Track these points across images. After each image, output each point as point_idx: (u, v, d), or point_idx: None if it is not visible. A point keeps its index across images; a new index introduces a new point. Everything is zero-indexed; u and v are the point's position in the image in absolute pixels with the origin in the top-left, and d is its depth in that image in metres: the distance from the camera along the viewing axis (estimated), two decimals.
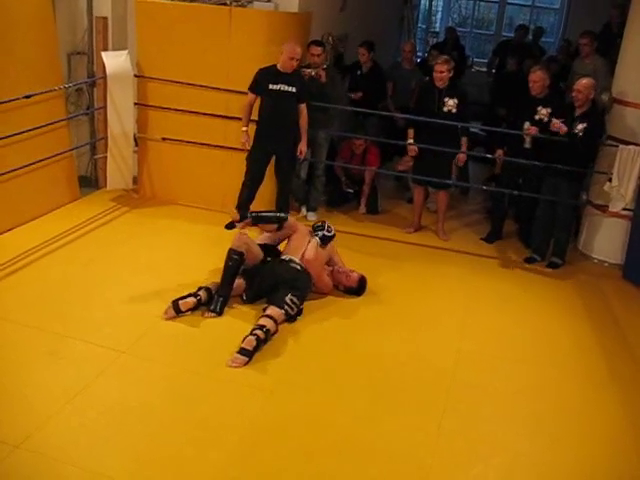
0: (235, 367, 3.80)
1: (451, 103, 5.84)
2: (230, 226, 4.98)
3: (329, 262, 4.94)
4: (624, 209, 5.67)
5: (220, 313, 4.35)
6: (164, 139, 6.32)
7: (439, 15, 15.33)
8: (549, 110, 5.63)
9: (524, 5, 14.72)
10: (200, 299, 4.36)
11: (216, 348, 3.97)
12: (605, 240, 5.98)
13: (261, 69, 5.53)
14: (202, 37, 5.96)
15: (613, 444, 3.57)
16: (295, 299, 4.35)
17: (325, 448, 3.26)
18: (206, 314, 4.34)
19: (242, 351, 3.86)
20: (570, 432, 3.62)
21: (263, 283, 4.53)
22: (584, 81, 5.45)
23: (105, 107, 6.11)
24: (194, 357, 3.92)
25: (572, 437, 3.57)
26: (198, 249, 5.42)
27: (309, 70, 5.88)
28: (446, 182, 6.10)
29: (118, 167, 6.24)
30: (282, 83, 5.50)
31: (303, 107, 5.62)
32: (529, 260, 5.87)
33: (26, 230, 5.42)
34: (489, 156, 6.38)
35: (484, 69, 11.34)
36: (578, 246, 6.24)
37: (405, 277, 5.36)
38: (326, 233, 4.80)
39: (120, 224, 5.82)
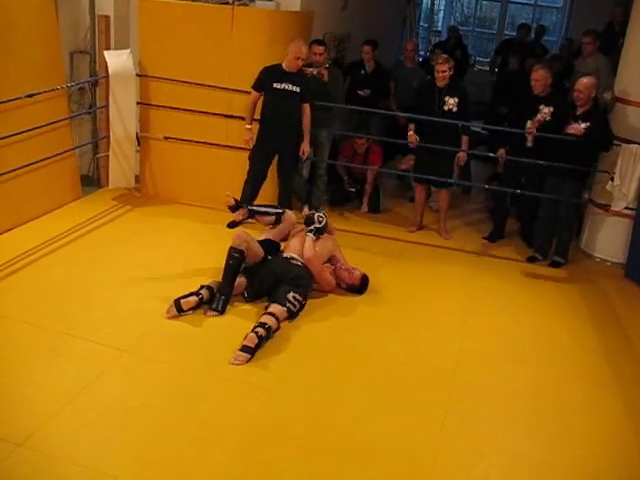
0: (237, 364, 3.81)
1: (452, 102, 5.84)
2: (232, 225, 4.99)
3: (331, 260, 4.93)
4: (626, 208, 5.67)
5: (222, 312, 4.36)
6: (166, 138, 6.32)
7: (441, 14, 15.34)
8: (551, 109, 5.62)
9: (526, 4, 14.71)
10: (202, 298, 4.36)
11: (218, 346, 3.98)
12: (607, 239, 5.98)
13: (266, 67, 5.53)
14: (204, 36, 5.96)
15: (614, 444, 3.56)
16: (298, 296, 4.37)
17: (325, 448, 3.26)
18: (208, 313, 4.34)
19: (244, 348, 3.87)
20: (571, 432, 3.61)
21: (264, 281, 4.53)
22: (585, 80, 5.44)
23: (107, 106, 6.13)
24: (196, 356, 3.92)
25: (573, 437, 3.57)
26: (200, 248, 5.42)
27: (311, 69, 5.88)
28: (447, 181, 6.10)
29: (120, 166, 6.25)
30: (287, 82, 5.50)
31: (306, 107, 5.63)
32: (531, 259, 5.87)
33: (28, 229, 5.43)
34: (491, 155, 6.38)
35: (486, 68, 11.36)
36: (580, 245, 6.23)
37: (406, 276, 5.36)
38: (317, 225, 4.79)
39: (122, 223, 5.83)
